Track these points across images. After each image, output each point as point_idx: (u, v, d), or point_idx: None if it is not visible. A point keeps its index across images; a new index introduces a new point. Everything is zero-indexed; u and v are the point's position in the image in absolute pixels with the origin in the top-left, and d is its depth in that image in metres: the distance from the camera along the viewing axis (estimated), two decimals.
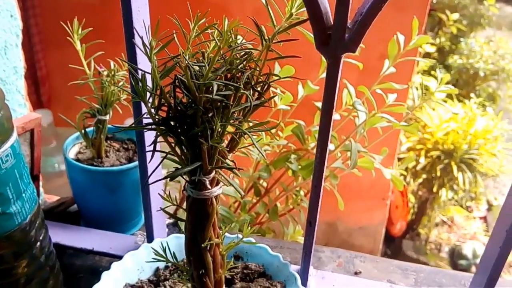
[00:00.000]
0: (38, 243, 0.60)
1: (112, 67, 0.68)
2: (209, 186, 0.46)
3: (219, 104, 0.41)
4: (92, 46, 0.70)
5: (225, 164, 0.45)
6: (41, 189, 0.82)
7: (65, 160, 0.72)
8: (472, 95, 2.85)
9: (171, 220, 0.78)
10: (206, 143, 0.41)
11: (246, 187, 0.95)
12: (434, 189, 2.26)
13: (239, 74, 0.43)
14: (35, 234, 0.60)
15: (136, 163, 0.71)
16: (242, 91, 0.41)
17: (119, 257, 0.59)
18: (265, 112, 0.79)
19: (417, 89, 0.81)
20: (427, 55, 2.93)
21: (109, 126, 0.77)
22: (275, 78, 0.45)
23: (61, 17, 0.72)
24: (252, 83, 0.44)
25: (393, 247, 2.62)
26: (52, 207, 0.79)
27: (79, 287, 0.69)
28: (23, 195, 0.56)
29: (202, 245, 0.48)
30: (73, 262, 0.72)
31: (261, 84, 0.45)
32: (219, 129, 0.42)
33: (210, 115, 0.41)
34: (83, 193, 0.74)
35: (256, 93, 0.45)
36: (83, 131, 0.73)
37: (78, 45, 0.66)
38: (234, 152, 0.47)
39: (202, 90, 0.39)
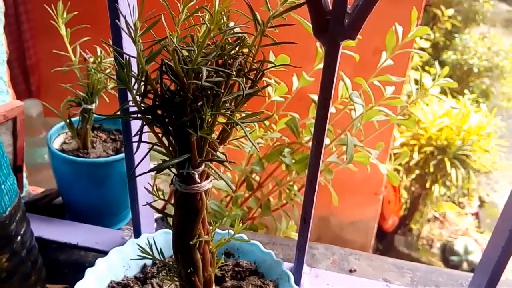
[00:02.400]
0: (19, 237, 0.58)
1: (99, 53, 0.65)
2: (198, 180, 0.43)
3: (209, 92, 0.38)
4: (79, 31, 0.67)
5: (216, 157, 0.42)
6: (24, 181, 0.78)
7: (49, 151, 0.69)
8: (466, 91, 2.84)
9: (159, 215, 0.75)
10: (195, 134, 0.39)
11: (238, 181, 0.92)
12: (427, 185, 2.25)
13: (231, 60, 0.40)
14: (15, 227, 0.57)
15: (124, 154, 0.68)
16: (234, 78, 0.38)
17: (105, 253, 0.57)
18: (258, 103, 0.77)
19: (416, 82, 0.78)
20: (421, 50, 2.91)
21: (96, 115, 0.74)
22: (270, 66, 0.43)
23: (50, 3, 0.69)
24: (245, 71, 0.41)
25: (385, 242, 2.61)
26: (36, 200, 0.76)
27: (64, 282, 0.66)
28: (2, 186, 0.53)
29: (191, 242, 0.46)
30: (57, 257, 0.69)
31: (255, 72, 0.42)
32: (209, 119, 0.39)
33: (199, 103, 0.38)
34: (68, 185, 0.71)
35: (249, 82, 0.42)
36: (67, 120, 0.70)
37: (63, 30, 0.63)
38: (225, 144, 0.44)
39: (191, 76, 0.36)
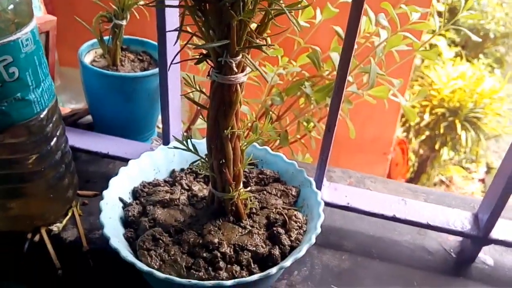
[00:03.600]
0: (55, 139, 0.60)
1: None
2: (235, 69, 0.45)
3: None
4: None
5: (254, 43, 0.44)
6: None
7: (81, 65, 0.71)
8: (481, 56, 2.82)
9: (185, 134, 0.78)
10: (237, 17, 0.41)
11: (258, 113, 0.95)
12: (436, 147, 2.27)
13: None
14: (52, 129, 0.59)
15: (153, 71, 0.70)
16: None
17: None
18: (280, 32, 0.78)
19: (439, 14, 0.79)
20: (438, 14, 2.87)
21: (125, 37, 0.76)
22: None
23: None
24: None
25: None
26: (65, 117, 0.78)
27: (94, 191, 0.69)
28: (42, 84, 0.56)
29: (225, 132, 0.48)
30: (87, 168, 0.72)
31: None
32: (251, 3, 0.41)
33: None
34: (98, 99, 0.74)
35: None
36: (99, 36, 0.71)
37: None
38: (261, 36, 0.46)
39: None
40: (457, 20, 0.79)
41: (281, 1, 0.42)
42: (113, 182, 0.56)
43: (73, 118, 0.79)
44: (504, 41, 2.97)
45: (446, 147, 2.29)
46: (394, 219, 0.62)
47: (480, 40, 0.82)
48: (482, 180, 2.84)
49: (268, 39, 0.45)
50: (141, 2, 0.69)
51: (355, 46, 0.84)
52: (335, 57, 0.79)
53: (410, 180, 2.69)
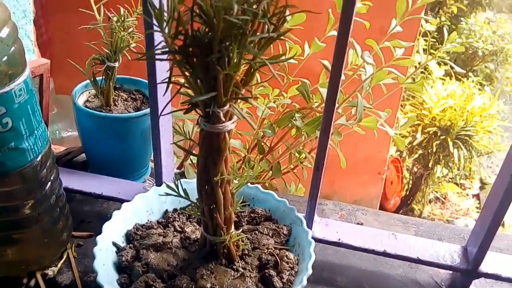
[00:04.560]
0: (49, 184, 0.61)
1: (122, 13, 0.68)
2: (223, 119, 0.47)
3: (236, 31, 0.41)
4: None
5: (240, 95, 0.45)
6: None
7: (74, 107, 0.72)
8: (470, 74, 2.86)
9: (178, 171, 0.79)
10: (222, 71, 0.42)
11: (250, 145, 0.96)
12: (429, 165, 2.29)
13: (256, 4, 0.43)
14: (46, 174, 0.60)
15: (145, 111, 0.72)
16: (259, 19, 0.41)
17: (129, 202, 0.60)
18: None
19: (424, 50, 0.81)
20: (427, 33, 2.93)
21: (118, 76, 0.77)
22: (293, 12, 0.46)
23: None
24: (268, 16, 0.45)
25: None
26: (60, 156, 0.79)
27: (88, 232, 0.69)
28: (36, 132, 0.57)
29: (214, 178, 0.49)
30: (81, 208, 0.73)
31: (277, 18, 0.45)
32: (236, 58, 0.43)
33: (227, 43, 0.42)
34: (91, 140, 0.75)
35: (272, 27, 0.45)
36: (92, 78, 0.73)
37: None
38: (247, 86, 0.48)
39: (221, 13, 0.39)
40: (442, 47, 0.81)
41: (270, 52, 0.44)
42: (106, 226, 0.56)
43: (68, 158, 0.80)
44: (493, 58, 3.01)
45: (439, 164, 2.30)
46: (384, 254, 0.63)
47: (464, 71, 0.84)
48: (477, 196, 2.85)
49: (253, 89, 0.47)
50: (133, 45, 0.71)
51: (343, 78, 0.86)
52: (323, 91, 0.81)
53: (405, 198, 2.70)
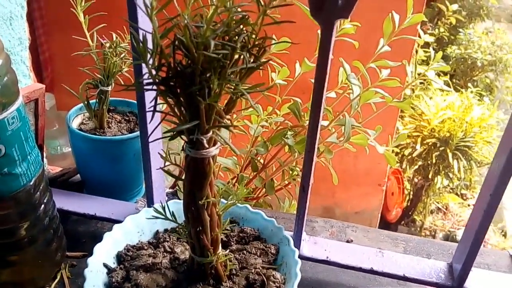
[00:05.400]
0: (42, 206, 0.63)
1: (115, 39, 0.70)
2: (206, 145, 0.48)
3: (216, 64, 0.43)
4: (95, 19, 0.72)
5: (222, 123, 0.47)
6: (44, 160, 0.84)
7: (68, 130, 0.74)
8: (469, 85, 2.87)
9: (171, 190, 0.81)
10: (204, 101, 0.44)
11: (243, 163, 0.98)
12: (430, 176, 2.29)
13: (236, 36, 0.45)
14: (39, 197, 0.62)
15: (137, 133, 0.74)
16: (238, 52, 0.43)
17: (121, 223, 0.62)
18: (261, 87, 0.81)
19: (423, 61, 0.83)
20: (426, 45, 2.95)
21: (111, 98, 0.79)
22: (272, 43, 0.48)
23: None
24: (249, 47, 0.46)
25: None
26: (56, 177, 0.81)
27: (83, 251, 0.71)
28: (28, 157, 0.59)
29: (200, 202, 0.51)
30: (76, 228, 0.75)
31: (257, 48, 0.47)
32: (216, 89, 0.44)
33: (208, 75, 0.43)
34: (86, 162, 0.77)
35: (252, 57, 0.47)
36: (86, 101, 0.75)
37: (81, 17, 0.68)
38: (230, 113, 0.49)
39: (201, 48, 0.41)
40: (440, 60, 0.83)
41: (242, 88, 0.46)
42: (97, 248, 0.58)
43: (63, 178, 0.82)
44: (492, 69, 3.03)
45: (440, 175, 2.31)
46: (372, 272, 0.64)
47: (448, 88, 0.86)
48: None
49: (234, 117, 0.48)
50: (125, 69, 0.73)
51: (334, 95, 0.88)
52: None
53: (406, 209, 2.70)
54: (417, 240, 0.76)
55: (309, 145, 0.56)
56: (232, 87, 0.46)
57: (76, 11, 0.68)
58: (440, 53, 0.79)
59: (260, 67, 0.47)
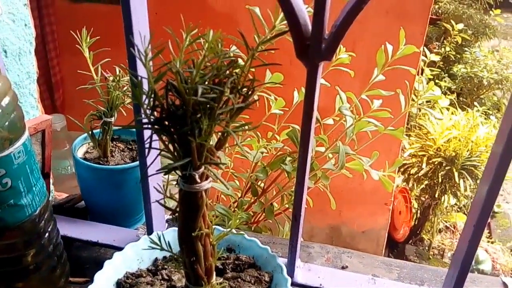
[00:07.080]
0: (47, 234, 0.66)
1: (118, 73, 0.74)
2: (198, 180, 0.51)
3: (206, 106, 0.46)
4: (101, 52, 0.76)
5: (213, 160, 0.50)
6: (51, 187, 0.87)
7: (73, 159, 0.78)
8: (475, 103, 2.88)
9: (170, 216, 0.83)
10: (195, 141, 0.47)
11: (244, 187, 1.00)
12: (436, 195, 2.29)
13: (226, 79, 0.48)
14: (44, 225, 0.65)
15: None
16: (226, 94, 0.46)
17: (122, 249, 0.65)
18: (259, 116, 0.85)
19: (429, 80, 0.85)
20: (432, 63, 2.97)
21: (115, 128, 0.83)
22: (261, 83, 0.51)
23: (75, 24, 0.78)
24: (238, 88, 0.49)
25: (396, 252, 2.64)
26: (62, 203, 0.84)
27: (86, 277, 0.74)
28: (34, 188, 0.62)
29: (193, 234, 0.53)
30: (80, 254, 0.77)
31: (246, 89, 0.50)
32: (206, 129, 0.47)
33: (198, 116, 0.46)
34: (90, 190, 0.80)
35: (242, 97, 0.50)
36: (90, 132, 0.78)
37: (86, 53, 0.72)
38: (221, 150, 0.52)
39: (191, 93, 0.44)
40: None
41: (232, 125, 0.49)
42: (98, 276, 0.60)
43: (69, 204, 0.85)
44: (499, 87, 3.03)
45: (446, 194, 2.31)
46: None
47: (440, 116, 0.88)
48: (488, 225, 2.83)
49: (222, 155, 0.51)
50: (128, 101, 0.76)
51: (331, 122, 0.90)
52: None
53: (414, 228, 2.69)
54: (411, 266, 0.77)
55: (299, 177, 0.59)
56: (224, 123, 0.49)
57: (82, 47, 0.72)
58: (431, 83, 0.82)
59: (249, 107, 0.50)
